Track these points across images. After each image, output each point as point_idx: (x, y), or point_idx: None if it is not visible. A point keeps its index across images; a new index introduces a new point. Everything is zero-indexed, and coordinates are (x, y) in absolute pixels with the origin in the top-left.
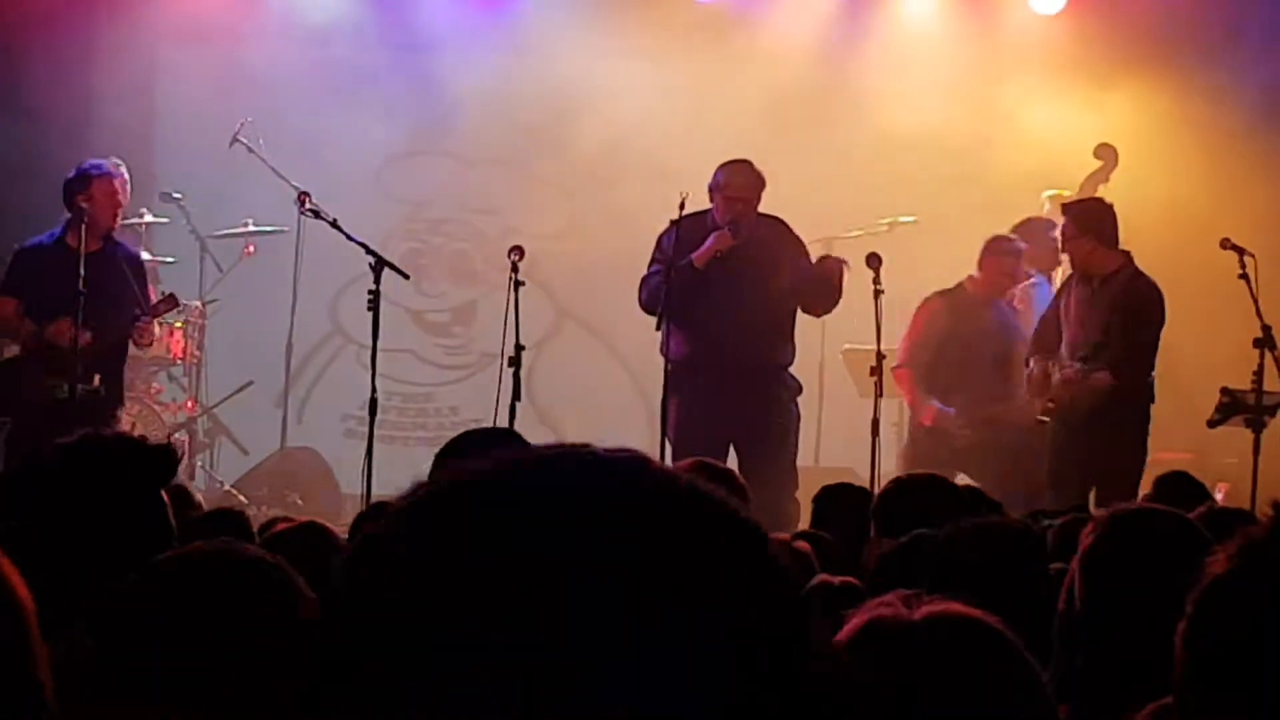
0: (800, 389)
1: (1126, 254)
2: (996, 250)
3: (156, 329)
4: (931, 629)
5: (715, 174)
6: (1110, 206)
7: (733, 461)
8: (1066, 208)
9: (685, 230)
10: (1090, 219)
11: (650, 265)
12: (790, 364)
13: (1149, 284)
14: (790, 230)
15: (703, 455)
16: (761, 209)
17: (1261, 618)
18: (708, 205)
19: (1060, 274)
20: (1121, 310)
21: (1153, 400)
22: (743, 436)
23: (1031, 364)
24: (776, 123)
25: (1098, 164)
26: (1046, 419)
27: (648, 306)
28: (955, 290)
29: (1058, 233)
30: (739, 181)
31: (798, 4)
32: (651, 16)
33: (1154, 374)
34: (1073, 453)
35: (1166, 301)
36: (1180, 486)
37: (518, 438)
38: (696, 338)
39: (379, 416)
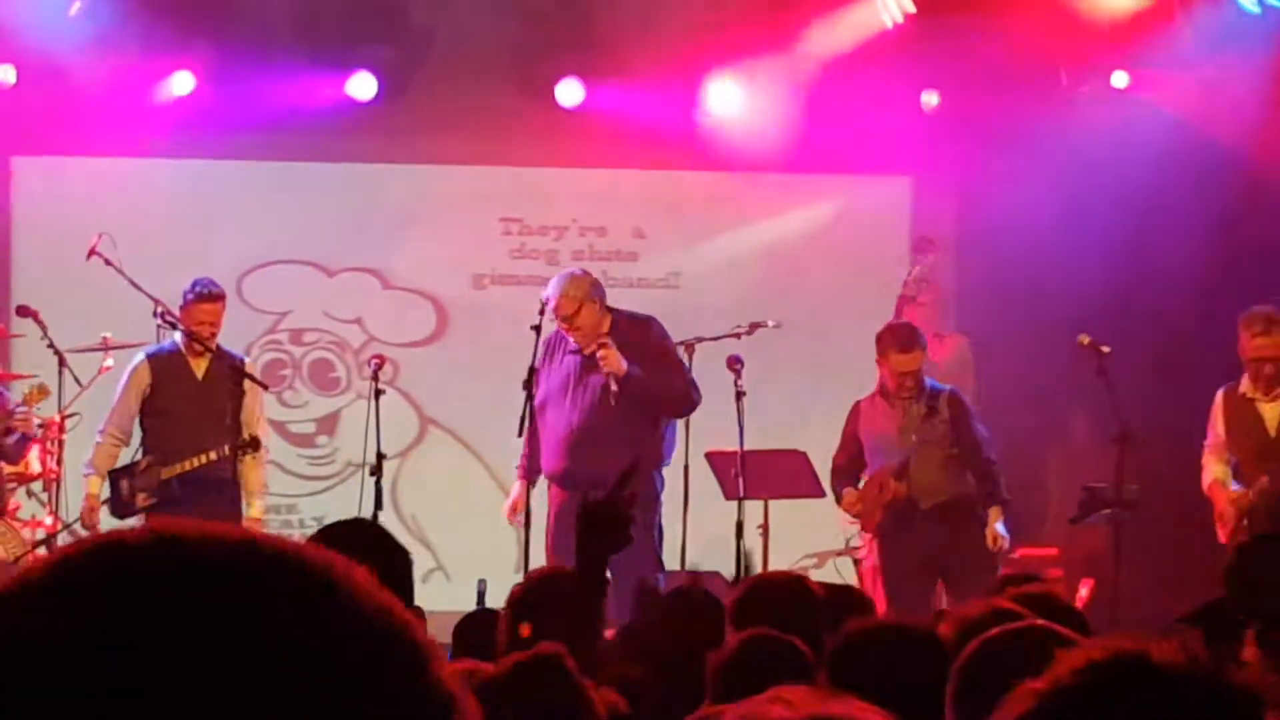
0: (655, 496)
1: None
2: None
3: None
4: None
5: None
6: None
7: None
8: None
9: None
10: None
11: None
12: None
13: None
14: (651, 333)
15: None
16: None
17: None
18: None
19: None
20: (953, 422)
21: None
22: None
23: (843, 491)
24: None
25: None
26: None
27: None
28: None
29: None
30: (558, 300)
31: None
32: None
33: None
34: (920, 551)
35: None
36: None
37: (379, 529)
38: (550, 452)
39: None
